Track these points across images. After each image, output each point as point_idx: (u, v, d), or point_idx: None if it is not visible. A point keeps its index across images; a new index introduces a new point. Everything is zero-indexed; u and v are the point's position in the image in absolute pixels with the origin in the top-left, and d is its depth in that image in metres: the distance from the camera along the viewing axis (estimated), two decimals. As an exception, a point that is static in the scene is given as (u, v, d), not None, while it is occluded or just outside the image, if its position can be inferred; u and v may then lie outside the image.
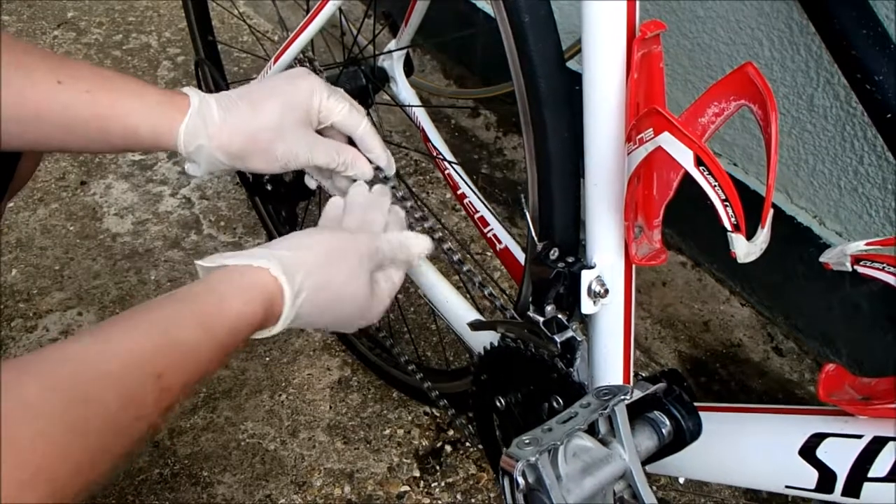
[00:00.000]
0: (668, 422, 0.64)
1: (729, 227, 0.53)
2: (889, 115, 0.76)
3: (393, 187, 0.82)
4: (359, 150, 0.78)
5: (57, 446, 0.44)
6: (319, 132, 0.77)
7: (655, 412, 0.64)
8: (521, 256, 0.95)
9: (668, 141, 0.53)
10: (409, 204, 0.82)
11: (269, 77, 0.76)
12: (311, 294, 0.63)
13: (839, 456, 0.59)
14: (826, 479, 0.59)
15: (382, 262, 0.71)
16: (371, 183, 0.79)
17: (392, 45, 1.14)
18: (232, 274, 0.60)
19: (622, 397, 0.60)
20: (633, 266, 0.68)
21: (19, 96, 0.63)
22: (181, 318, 0.55)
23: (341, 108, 0.75)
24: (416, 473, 1.13)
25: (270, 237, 1.39)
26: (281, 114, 0.71)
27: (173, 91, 0.71)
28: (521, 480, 0.55)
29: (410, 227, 0.79)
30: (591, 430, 0.62)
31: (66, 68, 0.66)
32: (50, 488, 0.43)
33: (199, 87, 0.90)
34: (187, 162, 0.73)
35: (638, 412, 0.66)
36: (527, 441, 0.56)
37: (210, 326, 0.56)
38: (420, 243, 0.74)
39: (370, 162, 0.79)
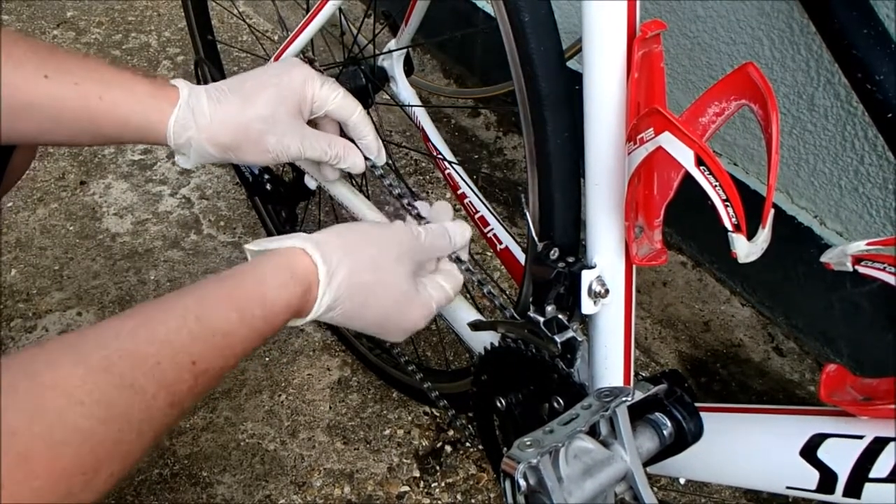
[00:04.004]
0: (669, 423, 0.63)
1: (730, 228, 0.52)
2: (890, 115, 0.76)
3: (381, 176, 0.82)
4: (351, 138, 0.78)
5: (99, 434, 0.44)
6: (313, 122, 0.76)
7: (657, 413, 0.64)
8: (521, 256, 0.95)
9: (668, 141, 0.53)
10: (397, 191, 0.82)
11: (261, 67, 0.75)
12: (348, 276, 0.62)
13: (840, 456, 0.58)
14: (827, 479, 0.59)
15: (424, 254, 0.71)
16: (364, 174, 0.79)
17: (392, 44, 1.14)
18: (270, 257, 0.60)
19: (623, 399, 0.60)
20: (634, 266, 0.68)
21: (9, 89, 0.63)
22: (216, 303, 0.55)
23: (335, 97, 0.74)
24: (416, 474, 1.12)
25: (270, 237, 1.39)
26: (273, 106, 0.70)
27: (163, 82, 0.70)
28: (522, 482, 0.54)
29: (402, 220, 0.78)
30: (593, 432, 0.62)
31: (54, 61, 0.65)
32: (87, 480, 0.43)
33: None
34: (177, 154, 0.72)
35: (639, 413, 0.65)
36: (528, 443, 0.56)
37: (245, 311, 0.56)
38: (460, 230, 0.74)
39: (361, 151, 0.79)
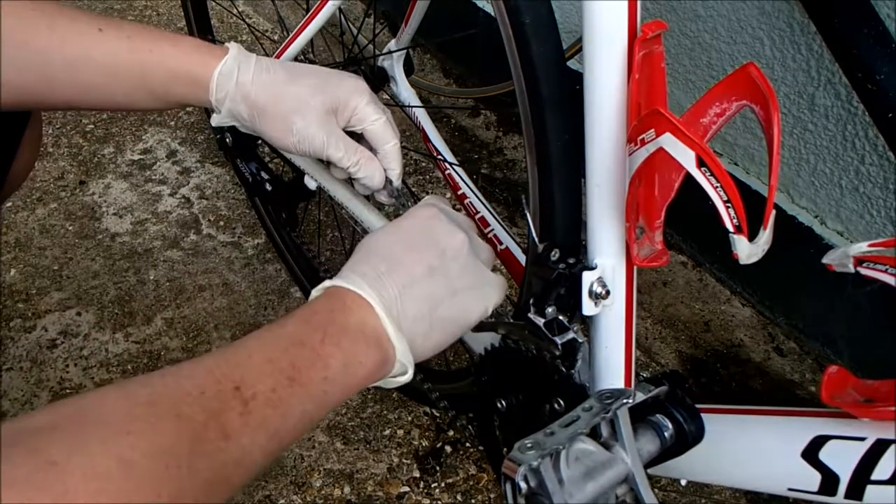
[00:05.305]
0: (670, 425, 0.63)
1: (731, 229, 0.52)
2: (890, 115, 0.76)
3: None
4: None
5: (143, 467, 0.42)
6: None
7: (658, 415, 0.64)
8: (521, 257, 0.95)
9: (669, 142, 0.53)
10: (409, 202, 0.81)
11: (319, 66, 0.77)
12: (428, 325, 0.60)
13: (842, 458, 0.58)
14: (829, 481, 0.59)
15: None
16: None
17: (392, 44, 1.14)
18: (333, 310, 0.57)
19: (624, 401, 0.60)
20: (635, 267, 0.68)
21: (64, 41, 0.66)
22: (263, 370, 0.52)
23: (376, 118, 0.73)
24: (416, 474, 1.12)
25: (270, 237, 1.39)
26: (312, 92, 0.71)
27: (211, 44, 0.73)
28: (523, 485, 0.54)
29: None
30: (594, 434, 0.62)
31: (104, 19, 0.68)
32: None
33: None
34: (213, 112, 0.74)
35: (640, 415, 0.65)
36: (529, 445, 0.56)
37: (301, 379, 0.53)
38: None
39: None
